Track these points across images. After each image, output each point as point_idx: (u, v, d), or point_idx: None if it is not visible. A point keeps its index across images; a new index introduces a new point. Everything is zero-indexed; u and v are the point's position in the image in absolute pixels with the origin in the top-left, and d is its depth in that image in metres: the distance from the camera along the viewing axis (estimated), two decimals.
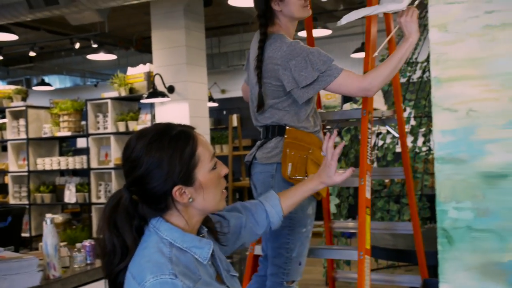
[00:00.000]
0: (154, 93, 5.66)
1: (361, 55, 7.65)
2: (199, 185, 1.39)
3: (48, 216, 2.17)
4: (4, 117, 7.54)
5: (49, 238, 2.13)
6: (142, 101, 6.00)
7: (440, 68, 1.61)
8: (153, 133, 1.38)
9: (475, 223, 1.59)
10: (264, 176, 2.18)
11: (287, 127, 2.15)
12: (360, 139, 2.15)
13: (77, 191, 6.75)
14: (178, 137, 1.38)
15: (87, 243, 2.43)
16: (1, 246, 2.40)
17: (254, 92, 2.22)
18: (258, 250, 2.32)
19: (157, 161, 1.35)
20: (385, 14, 2.10)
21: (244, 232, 1.67)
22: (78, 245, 2.43)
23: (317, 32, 6.96)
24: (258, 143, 2.24)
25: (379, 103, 2.38)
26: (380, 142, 5.02)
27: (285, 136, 2.14)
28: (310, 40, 2.65)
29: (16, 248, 2.61)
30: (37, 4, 4.96)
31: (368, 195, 2.12)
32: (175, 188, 1.36)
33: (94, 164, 6.58)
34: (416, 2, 1.71)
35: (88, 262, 2.41)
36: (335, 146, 1.77)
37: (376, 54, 2.12)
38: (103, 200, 6.55)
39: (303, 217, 2.16)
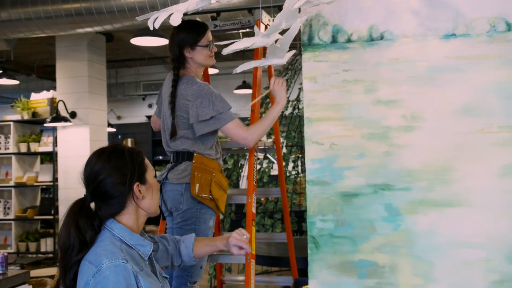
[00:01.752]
0: (57, 118, 5.49)
1: (242, 91, 8.10)
2: (149, 185, 1.57)
3: None
4: None
5: None
6: (45, 124, 5.76)
7: (310, 110, 1.85)
8: (111, 149, 1.55)
9: (335, 231, 1.83)
10: (174, 194, 2.26)
11: (195, 154, 2.26)
12: (248, 164, 2.31)
13: None
14: (132, 149, 1.57)
15: (0, 254, 2.33)
16: None
17: (167, 123, 2.31)
18: None
19: (120, 165, 1.51)
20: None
21: (165, 257, 1.79)
22: None
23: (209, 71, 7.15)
24: (169, 166, 2.32)
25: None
26: (258, 166, 5.27)
27: (193, 161, 2.24)
28: (206, 77, 2.80)
29: None
30: None
31: (254, 210, 2.28)
32: (135, 184, 1.52)
33: None
34: (290, 56, 1.92)
35: (1, 272, 2.30)
36: None
37: (252, 103, 2.36)
38: (1, 216, 6.14)
39: (206, 229, 2.26)
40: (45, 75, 8.54)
